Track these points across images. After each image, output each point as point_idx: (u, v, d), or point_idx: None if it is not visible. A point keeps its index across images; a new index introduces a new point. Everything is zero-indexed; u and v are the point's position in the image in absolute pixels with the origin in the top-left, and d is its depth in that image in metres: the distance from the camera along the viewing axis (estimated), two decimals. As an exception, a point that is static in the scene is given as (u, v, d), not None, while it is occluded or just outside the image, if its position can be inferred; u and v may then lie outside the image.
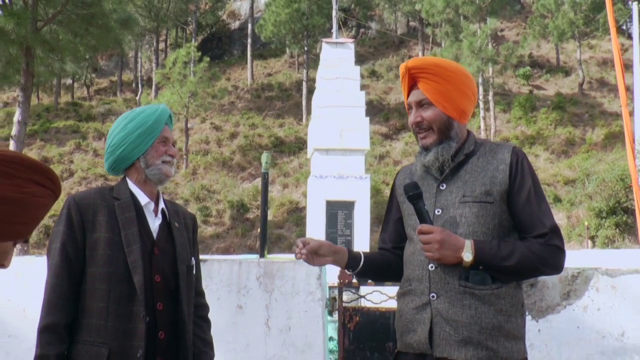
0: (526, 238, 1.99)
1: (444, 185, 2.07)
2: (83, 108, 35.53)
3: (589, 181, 17.61)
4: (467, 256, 1.92)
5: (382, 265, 2.24)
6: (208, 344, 2.37)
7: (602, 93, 33.67)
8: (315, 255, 2.12)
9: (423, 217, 2.01)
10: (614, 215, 17.18)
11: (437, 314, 1.96)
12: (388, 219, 2.30)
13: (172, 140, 2.33)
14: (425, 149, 2.10)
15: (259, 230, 20.42)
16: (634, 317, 3.64)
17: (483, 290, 1.94)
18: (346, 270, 2.30)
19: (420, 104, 2.09)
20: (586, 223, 16.70)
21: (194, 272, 2.34)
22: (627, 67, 35.41)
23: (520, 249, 1.94)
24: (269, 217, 24.31)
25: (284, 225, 23.76)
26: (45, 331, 2.03)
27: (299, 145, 29.52)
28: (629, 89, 34.25)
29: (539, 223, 1.97)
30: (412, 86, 2.13)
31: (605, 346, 3.64)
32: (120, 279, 2.09)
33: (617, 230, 17.11)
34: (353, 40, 14.15)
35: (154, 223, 2.24)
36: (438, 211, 2.04)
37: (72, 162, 28.19)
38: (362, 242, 11.83)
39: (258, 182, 27.30)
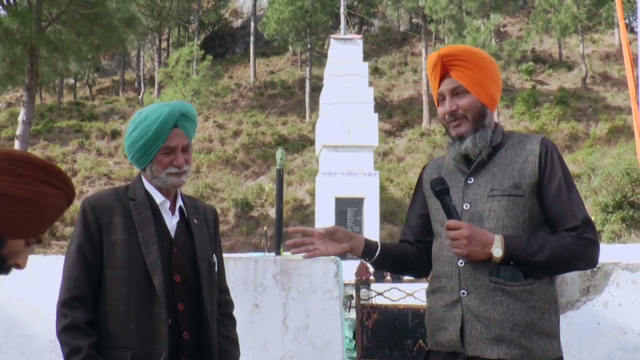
0: (558, 231, 1.93)
1: (472, 179, 2.02)
2: (86, 107, 35.54)
3: (594, 175, 17.54)
4: (497, 252, 1.86)
5: (400, 256, 2.19)
6: (233, 343, 2.32)
7: (605, 87, 33.57)
8: (330, 241, 2.08)
9: (450, 212, 1.96)
10: (620, 210, 17.10)
11: (468, 311, 1.92)
12: (412, 212, 2.26)
13: (180, 146, 2.15)
14: (460, 138, 2.03)
15: (264, 228, 20.43)
16: (655, 312, 3.60)
17: (514, 287, 1.88)
18: (362, 259, 2.21)
19: (455, 92, 2.03)
20: (593, 218, 16.66)
21: (216, 269, 2.29)
22: (631, 61, 35.35)
23: (552, 243, 1.88)
24: (274, 216, 24.32)
25: (289, 223, 23.70)
26: (68, 330, 1.98)
27: (303, 143, 29.49)
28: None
29: (571, 215, 1.91)
30: (442, 76, 2.06)
31: (627, 342, 3.60)
32: (140, 281, 2.05)
33: (624, 224, 17.03)
34: (361, 36, 14.08)
35: (172, 221, 2.18)
36: (466, 205, 1.99)
37: (75, 161, 28.19)
38: (372, 238, 11.49)
39: (262, 180, 27.29)
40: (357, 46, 13.40)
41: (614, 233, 17.03)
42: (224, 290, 2.37)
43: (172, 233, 2.17)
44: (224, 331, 2.29)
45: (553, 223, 1.95)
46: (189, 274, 2.16)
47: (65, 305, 2.02)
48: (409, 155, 28.58)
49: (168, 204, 2.20)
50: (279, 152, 5.76)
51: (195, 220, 2.25)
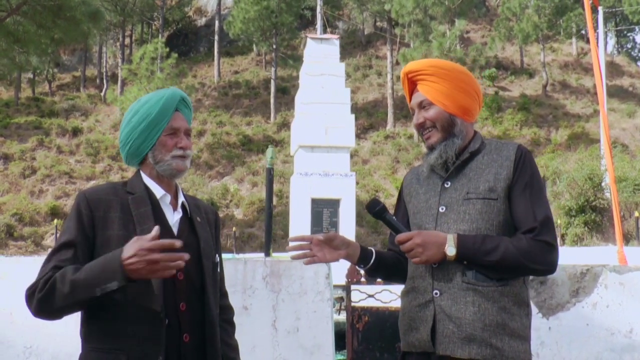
0: (517, 234, 1.95)
1: (449, 183, 2.06)
2: (45, 103, 34.54)
3: (560, 180, 18.04)
4: (450, 250, 1.90)
5: (393, 264, 2.20)
6: (235, 350, 2.22)
7: (564, 95, 34.53)
8: (327, 248, 2.08)
9: (395, 227, 2.01)
10: (583, 214, 17.61)
11: (440, 311, 1.94)
12: (396, 216, 2.26)
13: (184, 129, 2.09)
14: (431, 149, 2.11)
15: (233, 229, 20.20)
16: (642, 314, 3.65)
17: (486, 287, 1.91)
18: (357, 266, 2.22)
19: (422, 105, 2.12)
20: (558, 221, 17.06)
21: (218, 270, 2.20)
22: (587, 70, 36.47)
23: (505, 244, 1.90)
24: (239, 217, 24.10)
25: (255, 224, 23.54)
26: (52, 271, 1.85)
27: (267, 144, 29.33)
28: (588, 92, 35.14)
29: (530, 217, 1.94)
30: (412, 90, 2.17)
31: (615, 343, 3.64)
32: None
33: (586, 228, 17.54)
34: (338, 36, 14.04)
35: (174, 217, 2.07)
36: (442, 208, 2.03)
37: (34, 159, 27.35)
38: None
39: (227, 180, 27.02)
40: (333, 46, 13.41)
41: (576, 236, 17.53)
42: (224, 294, 2.28)
43: (175, 229, 2.05)
44: (225, 337, 2.17)
45: (516, 226, 1.98)
46: (192, 272, 2.03)
47: (47, 263, 1.89)
48: (374, 158, 28.76)
49: (169, 198, 2.08)
50: (269, 151, 5.67)
51: (198, 218, 2.14)
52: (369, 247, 2.19)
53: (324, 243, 2.09)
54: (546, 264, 1.93)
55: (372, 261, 2.15)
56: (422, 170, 2.20)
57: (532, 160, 2.06)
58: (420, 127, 2.13)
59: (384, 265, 2.18)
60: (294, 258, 2.12)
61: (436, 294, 1.95)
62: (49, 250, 2.01)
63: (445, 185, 2.06)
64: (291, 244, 2.14)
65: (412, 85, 2.16)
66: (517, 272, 1.95)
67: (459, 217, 1.98)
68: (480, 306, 1.90)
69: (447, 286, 1.94)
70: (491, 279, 1.92)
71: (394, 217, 2.03)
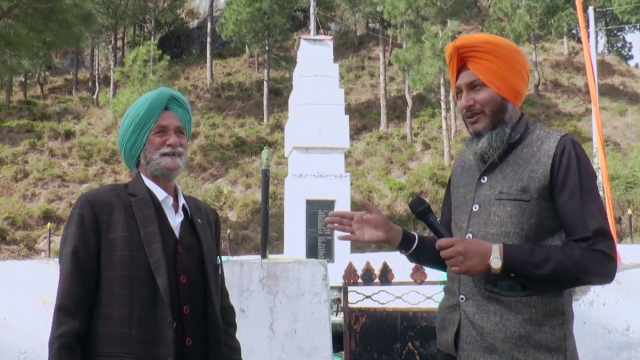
0: (568, 242, 1.80)
1: (485, 179, 1.92)
2: (37, 107, 34.35)
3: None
4: (496, 262, 1.76)
5: (435, 252, 2.07)
6: (237, 351, 2.21)
7: (556, 94, 34.67)
8: (368, 227, 1.99)
9: (438, 231, 1.88)
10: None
11: (465, 317, 1.87)
12: (445, 205, 2.18)
13: (173, 127, 2.07)
14: (477, 135, 1.93)
15: (227, 231, 20.13)
16: (638, 311, 3.66)
17: (510, 297, 1.80)
18: (400, 251, 2.11)
19: (472, 86, 1.92)
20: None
21: (220, 271, 2.18)
22: (578, 69, 36.65)
23: (557, 255, 1.74)
24: (233, 219, 24.04)
25: (249, 226, 23.49)
26: (57, 342, 1.84)
27: (261, 145, 29.25)
28: (580, 91, 35.32)
29: (582, 225, 1.76)
30: (460, 68, 1.96)
31: (612, 341, 3.65)
32: (142, 282, 1.91)
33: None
34: (331, 37, 14.03)
35: (175, 220, 2.06)
36: (475, 207, 1.91)
37: (26, 162, 27.17)
38: (343, 241, 11.55)
39: (220, 182, 26.94)
40: (327, 47, 13.42)
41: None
42: (226, 295, 2.26)
43: (177, 232, 2.04)
44: (228, 340, 2.17)
45: (565, 232, 1.82)
46: (195, 275, 2.03)
47: (60, 311, 1.88)
48: (367, 159, 28.76)
49: (171, 200, 2.08)
50: (265, 152, 5.63)
51: (199, 220, 2.13)
52: (412, 232, 2.10)
53: (364, 221, 2.00)
54: (603, 275, 1.76)
55: (414, 247, 2.05)
56: (467, 158, 2.06)
57: (580, 153, 1.84)
58: (468, 110, 1.94)
59: (427, 252, 2.07)
60: (331, 229, 2.05)
61: (462, 299, 1.89)
62: (57, 258, 2.00)
63: (482, 181, 1.93)
64: (331, 218, 2.03)
65: (461, 61, 1.95)
66: (569, 284, 1.81)
67: (489, 218, 1.87)
68: (502, 317, 1.81)
69: (471, 292, 1.87)
70: (515, 290, 1.80)
71: (437, 220, 1.90)
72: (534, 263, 1.74)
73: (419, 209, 1.91)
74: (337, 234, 2.14)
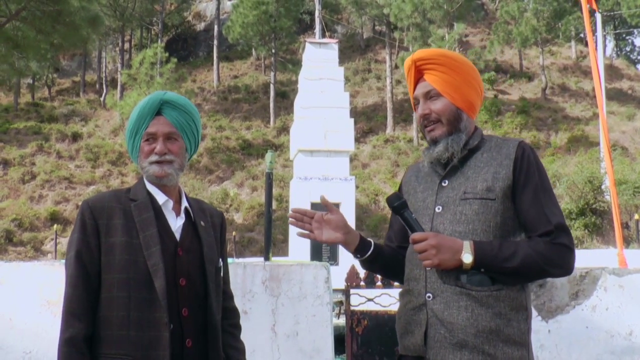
0: (531, 237, 1.89)
1: (446, 182, 2.00)
2: (45, 109, 34.55)
3: (560, 183, 18.08)
4: (467, 257, 1.83)
5: (391, 259, 2.13)
6: (242, 353, 2.22)
7: (563, 98, 34.56)
8: (327, 228, 2.04)
9: (412, 225, 1.93)
10: (583, 217, 17.63)
11: (433, 315, 1.89)
12: (395, 217, 2.20)
13: (161, 133, 2.05)
14: (434, 142, 2.02)
15: (233, 233, 20.18)
16: (641, 316, 3.64)
17: (480, 292, 1.85)
18: (354, 255, 2.13)
19: (428, 96, 2.03)
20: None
21: (222, 274, 2.19)
22: (586, 73, 36.55)
23: (524, 249, 1.84)
24: (239, 221, 24.08)
25: (255, 228, 23.53)
26: (66, 345, 1.89)
27: (267, 148, 29.33)
28: (588, 95, 35.17)
29: (545, 220, 1.88)
30: (418, 79, 2.07)
31: (614, 346, 3.64)
32: (140, 285, 1.94)
33: (586, 230, 17.56)
34: (337, 40, 14.08)
35: (176, 223, 2.08)
36: (438, 208, 1.97)
37: (34, 164, 27.33)
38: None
39: (226, 184, 27.01)
40: (332, 50, 13.45)
41: (577, 239, 17.54)
42: (230, 297, 2.28)
43: (177, 235, 2.06)
44: (232, 342, 2.18)
45: (527, 228, 1.92)
46: (195, 277, 2.05)
47: (68, 314, 1.93)
48: (374, 162, 28.77)
49: (171, 204, 2.09)
50: (269, 155, 5.66)
51: (202, 223, 2.15)
52: (369, 239, 2.13)
53: (324, 222, 2.04)
54: (565, 266, 1.88)
55: (369, 252, 2.08)
56: (422, 166, 2.13)
57: (536, 156, 1.97)
58: (424, 119, 2.04)
59: (382, 260, 2.11)
60: (291, 224, 2.10)
61: (429, 297, 1.90)
62: (63, 260, 2.06)
63: (443, 184, 2.00)
64: (292, 214, 2.09)
65: (419, 74, 2.06)
66: (535, 276, 1.90)
67: (455, 217, 1.92)
68: (473, 311, 1.84)
69: (440, 289, 1.89)
70: (486, 284, 1.86)
71: (412, 215, 1.95)
72: (503, 257, 1.83)
73: (396, 203, 1.97)
74: (295, 230, 2.17)
